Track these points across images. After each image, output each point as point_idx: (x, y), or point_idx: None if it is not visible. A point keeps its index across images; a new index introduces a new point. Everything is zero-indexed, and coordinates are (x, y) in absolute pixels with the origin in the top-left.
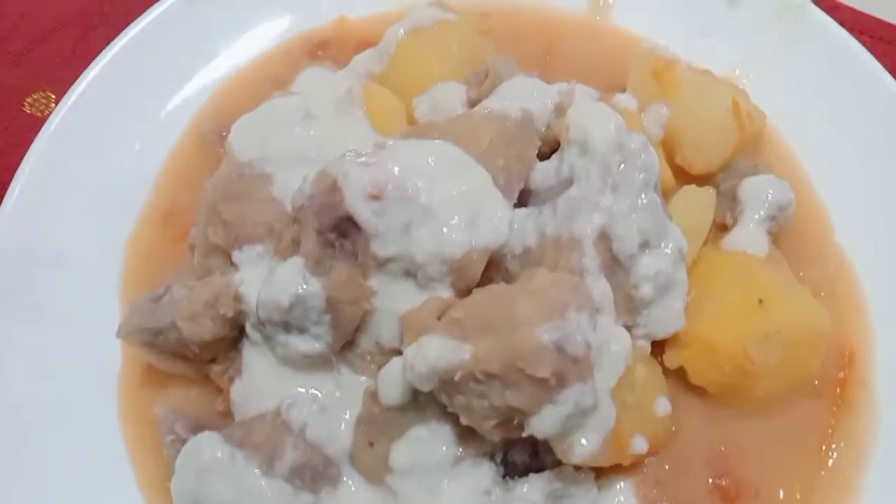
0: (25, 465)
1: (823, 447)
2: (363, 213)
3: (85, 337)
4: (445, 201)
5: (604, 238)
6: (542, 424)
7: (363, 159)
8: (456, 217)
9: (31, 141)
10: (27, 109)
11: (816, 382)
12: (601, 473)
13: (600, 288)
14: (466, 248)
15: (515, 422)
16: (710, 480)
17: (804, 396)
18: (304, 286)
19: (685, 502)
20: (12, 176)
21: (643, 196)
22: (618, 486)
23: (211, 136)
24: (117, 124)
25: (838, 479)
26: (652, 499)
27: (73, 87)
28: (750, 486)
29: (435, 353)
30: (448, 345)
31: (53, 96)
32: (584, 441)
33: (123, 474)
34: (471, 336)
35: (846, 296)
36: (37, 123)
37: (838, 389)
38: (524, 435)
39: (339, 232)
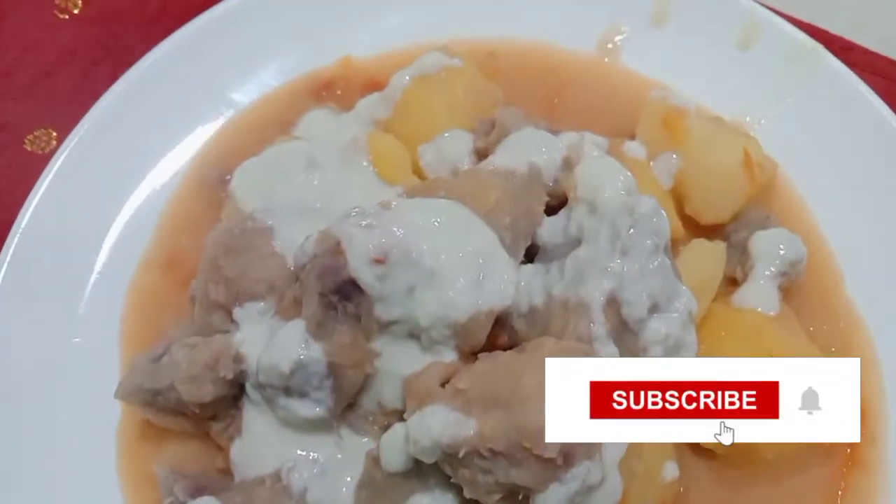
0: None
1: None
2: (367, 277)
3: (84, 387)
4: (450, 264)
5: (613, 303)
6: (547, 502)
7: (367, 221)
8: (461, 280)
9: (31, 179)
10: (28, 147)
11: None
12: None
13: (608, 354)
14: (471, 312)
15: (521, 496)
16: None
17: (814, 456)
18: (306, 351)
19: None
20: (13, 215)
21: (653, 261)
22: None
23: (212, 180)
24: (118, 168)
25: None
26: None
27: (74, 131)
28: None
29: (438, 426)
30: (452, 418)
31: (55, 133)
32: None
33: None
34: (475, 410)
35: (857, 351)
36: (37, 161)
37: (848, 449)
38: None
39: (341, 295)
